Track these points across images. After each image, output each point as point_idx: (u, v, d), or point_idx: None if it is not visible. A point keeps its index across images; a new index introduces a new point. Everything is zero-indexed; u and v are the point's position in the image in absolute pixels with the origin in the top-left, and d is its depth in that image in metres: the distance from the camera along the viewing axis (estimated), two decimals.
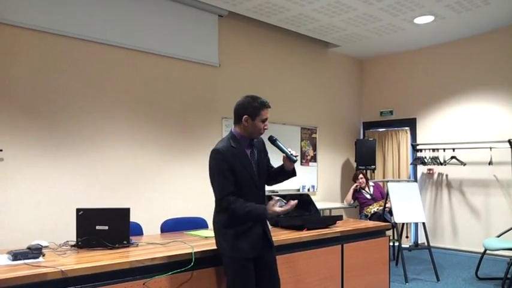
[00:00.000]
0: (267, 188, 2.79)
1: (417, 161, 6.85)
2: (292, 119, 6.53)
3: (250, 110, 2.53)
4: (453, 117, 6.80)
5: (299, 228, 3.42)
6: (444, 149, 6.60)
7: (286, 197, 2.70)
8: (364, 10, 5.44)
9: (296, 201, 2.53)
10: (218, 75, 5.60)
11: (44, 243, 2.66)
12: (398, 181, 6.77)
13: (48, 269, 2.11)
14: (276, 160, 2.83)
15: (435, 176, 6.97)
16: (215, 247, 2.70)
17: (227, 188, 2.50)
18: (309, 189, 6.69)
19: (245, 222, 2.52)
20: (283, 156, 2.68)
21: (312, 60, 6.95)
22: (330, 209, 6.24)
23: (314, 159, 6.90)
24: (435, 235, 6.80)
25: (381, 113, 7.68)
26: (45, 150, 4.15)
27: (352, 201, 6.29)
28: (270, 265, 2.65)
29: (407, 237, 6.68)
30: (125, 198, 4.58)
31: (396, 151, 7.46)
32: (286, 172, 2.73)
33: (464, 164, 6.38)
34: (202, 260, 2.63)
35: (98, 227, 2.68)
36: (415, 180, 7.02)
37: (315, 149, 6.92)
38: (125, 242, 2.73)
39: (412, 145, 7.20)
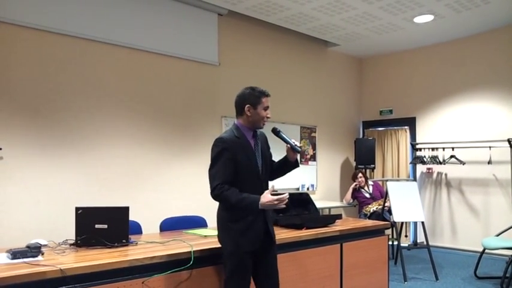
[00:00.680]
0: None
1: (416, 160, 6.85)
2: (291, 118, 6.53)
3: (252, 98, 2.57)
4: (453, 117, 6.81)
5: (298, 227, 3.43)
6: (443, 148, 6.60)
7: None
8: (363, 9, 5.44)
9: (287, 194, 2.51)
10: (218, 74, 5.60)
11: (43, 242, 2.67)
12: (397, 180, 6.78)
13: (47, 268, 2.11)
14: (277, 155, 2.84)
15: (434, 175, 6.97)
16: (214, 246, 2.71)
17: (224, 176, 2.48)
18: (308, 188, 6.69)
19: (247, 216, 2.51)
20: (287, 147, 2.70)
21: (311, 59, 6.95)
22: (329, 208, 6.26)
23: (313, 158, 6.90)
24: (434, 234, 6.81)
25: (381, 112, 7.68)
26: (44, 149, 4.15)
27: (351, 200, 6.29)
28: (270, 262, 2.65)
29: (406, 236, 6.69)
30: (124, 197, 4.58)
31: (395, 150, 7.47)
32: (290, 163, 2.74)
33: (464, 163, 6.38)
34: (201, 258, 2.63)
35: (97, 226, 2.68)
36: (415, 179, 7.02)
37: (314, 148, 6.93)
38: (124, 241, 2.73)
39: (411, 144, 7.20)
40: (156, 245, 2.79)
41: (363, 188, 6.24)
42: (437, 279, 5.00)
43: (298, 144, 2.68)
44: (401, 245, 5.33)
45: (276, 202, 2.45)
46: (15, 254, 2.25)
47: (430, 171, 6.99)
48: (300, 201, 3.95)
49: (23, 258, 2.24)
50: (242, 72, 5.87)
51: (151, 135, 4.93)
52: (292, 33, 6.36)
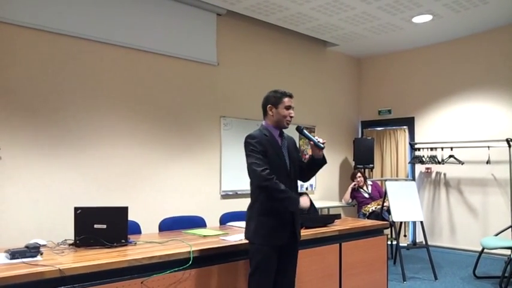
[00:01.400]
0: None
1: (415, 159, 6.86)
2: None
3: (273, 99, 2.77)
4: (451, 116, 6.81)
5: None
6: (442, 148, 6.61)
7: None
8: (362, 9, 5.45)
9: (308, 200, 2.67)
10: (216, 74, 5.59)
11: (41, 242, 2.67)
12: (396, 180, 6.79)
13: (46, 268, 2.11)
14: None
15: (433, 174, 6.98)
16: (213, 246, 2.73)
17: (265, 164, 2.58)
18: (307, 188, 6.69)
19: (278, 212, 2.60)
20: (311, 144, 2.80)
21: (310, 59, 6.95)
22: (328, 208, 6.26)
23: None
24: (433, 234, 6.81)
25: (379, 112, 7.68)
26: (43, 149, 4.14)
27: (350, 200, 6.29)
28: (291, 257, 2.75)
29: (405, 236, 6.69)
30: (123, 196, 4.58)
31: (394, 150, 7.48)
32: (317, 161, 2.82)
33: (462, 163, 6.39)
34: (200, 258, 2.64)
35: (96, 226, 2.68)
36: (413, 179, 7.04)
37: None
38: (123, 241, 2.73)
39: (410, 144, 7.21)
40: (155, 245, 2.79)
41: (362, 188, 6.24)
42: (436, 278, 5.01)
43: (321, 141, 2.77)
44: (400, 244, 5.33)
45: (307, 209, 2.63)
46: (14, 254, 2.25)
47: (429, 171, 7.00)
48: None
49: (21, 258, 2.24)
50: (241, 72, 5.88)
51: (150, 135, 4.93)
52: (291, 33, 6.37)
